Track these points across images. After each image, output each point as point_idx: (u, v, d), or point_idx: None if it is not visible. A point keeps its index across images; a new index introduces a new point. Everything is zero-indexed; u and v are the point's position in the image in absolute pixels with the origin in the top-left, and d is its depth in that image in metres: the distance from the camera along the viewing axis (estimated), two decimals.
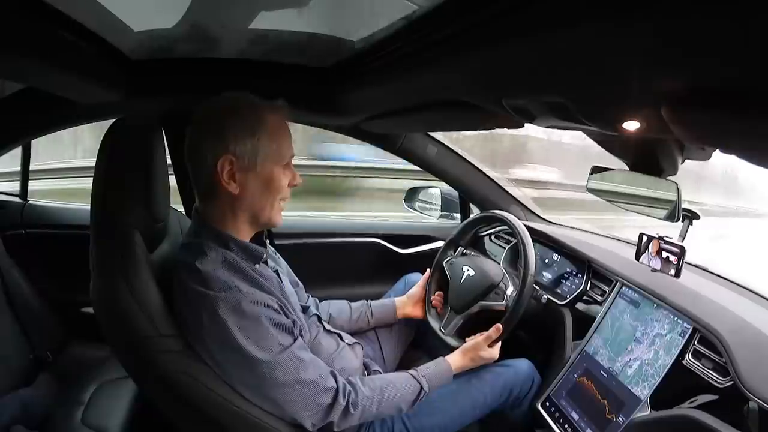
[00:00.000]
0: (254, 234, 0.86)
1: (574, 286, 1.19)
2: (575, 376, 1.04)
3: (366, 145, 1.45)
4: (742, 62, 0.30)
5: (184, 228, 1.00)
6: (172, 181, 0.94)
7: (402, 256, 1.64)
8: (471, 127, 1.00)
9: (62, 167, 3.50)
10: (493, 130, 0.94)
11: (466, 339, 1.05)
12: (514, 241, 1.18)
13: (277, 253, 1.03)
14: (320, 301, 1.13)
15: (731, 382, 0.77)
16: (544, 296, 1.20)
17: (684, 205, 0.89)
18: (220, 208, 0.81)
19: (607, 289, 1.11)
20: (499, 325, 1.02)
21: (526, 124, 0.77)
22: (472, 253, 1.29)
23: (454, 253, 1.30)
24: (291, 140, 0.84)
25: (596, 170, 0.97)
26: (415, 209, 1.71)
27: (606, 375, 0.98)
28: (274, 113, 0.80)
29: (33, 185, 1.54)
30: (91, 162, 0.80)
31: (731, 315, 0.88)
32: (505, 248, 1.31)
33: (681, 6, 0.29)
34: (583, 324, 1.11)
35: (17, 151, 1.42)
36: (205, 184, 0.80)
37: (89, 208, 0.79)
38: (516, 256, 1.16)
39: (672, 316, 0.93)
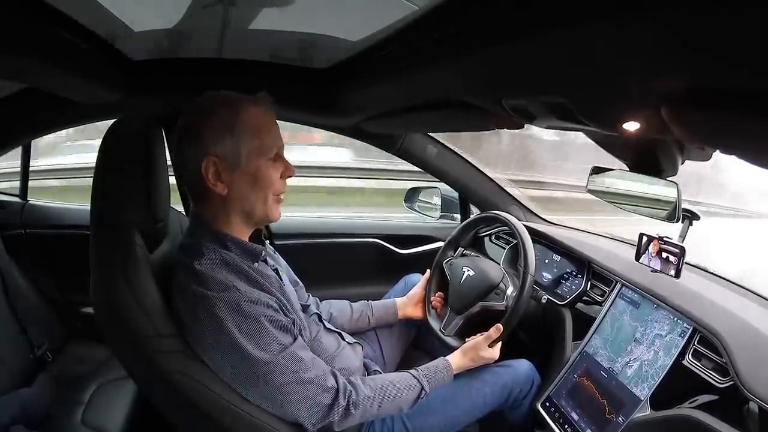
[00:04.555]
0: (252, 232, 0.86)
1: (574, 287, 1.19)
2: (575, 376, 1.04)
3: None
4: (743, 62, 0.30)
5: (184, 228, 1.00)
6: (172, 181, 0.94)
7: (402, 257, 1.64)
8: (471, 128, 0.99)
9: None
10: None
11: (467, 339, 1.05)
12: (514, 241, 1.18)
13: (276, 252, 1.03)
14: (320, 300, 1.13)
15: (731, 383, 0.77)
16: (544, 296, 1.20)
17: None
18: (213, 208, 0.80)
19: (606, 289, 1.11)
20: (500, 325, 1.02)
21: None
22: (472, 253, 1.29)
23: (454, 253, 1.30)
24: (277, 131, 0.82)
25: (596, 171, 0.97)
26: (415, 209, 1.71)
27: (606, 375, 0.98)
28: (253, 107, 0.78)
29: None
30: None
31: (731, 316, 0.88)
32: (505, 249, 1.30)
33: (682, 5, 0.29)
34: (583, 324, 1.11)
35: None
36: (194, 188, 0.79)
37: (89, 208, 0.79)
38: (516, 257, 1.16)
39: (672, 317, 0.93)
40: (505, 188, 1.51)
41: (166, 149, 0.89)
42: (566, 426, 0.99)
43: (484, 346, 1.01)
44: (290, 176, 0.84)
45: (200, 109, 0.78)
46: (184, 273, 0.77)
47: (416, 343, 1.27)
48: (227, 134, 0.76)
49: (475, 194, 1.52)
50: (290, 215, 1.60)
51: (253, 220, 0.83)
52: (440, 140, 1.42)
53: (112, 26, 0.80)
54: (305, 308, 0.99)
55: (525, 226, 1.18)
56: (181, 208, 1.16)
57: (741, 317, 0.87)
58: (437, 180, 1.53)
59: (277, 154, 0.81)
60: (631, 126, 0.53)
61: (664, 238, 0.99)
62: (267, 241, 0.92)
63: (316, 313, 1.02)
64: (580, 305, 1.18)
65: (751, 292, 1.02)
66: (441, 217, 1.68)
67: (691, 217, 0.99)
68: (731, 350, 0.79)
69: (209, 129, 0.76)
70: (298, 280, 1.07)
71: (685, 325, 0.90)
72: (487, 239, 1.50)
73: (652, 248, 1.02)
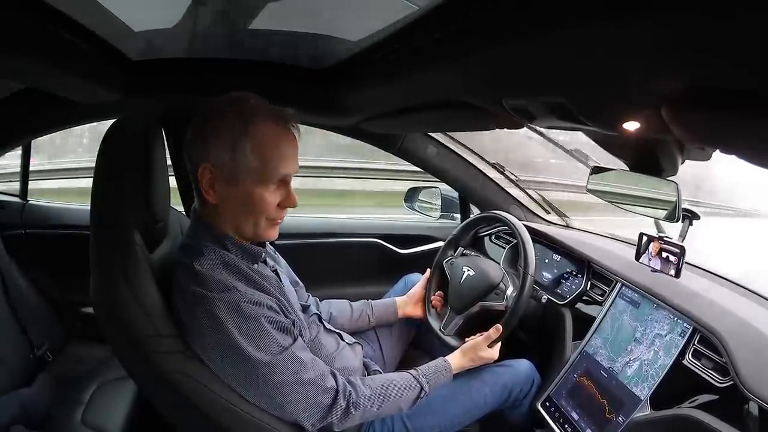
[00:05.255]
0: None
1: (574, 286, 1.19)
2: (575, 376, 1.04)
3: None
4: (743, 63, 0.30)
5: (184, 228, 1.00)
6: (172, 181, 0.93)
7: (402, 256, 1.64)
8: (471, 128, 1.00)
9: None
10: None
11: (466, 339, 1.05)
12: (514, 241, 1.18)
13: (277, 253, 1.03)
14: (320, 300, 1.13)
15: (731, 382, 0.77)
16: (544, 296, 1.20)
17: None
18: (210, 212, 0.80)
19: (607, 289, 1.11)
20: (499, 326, 1.02)
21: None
22: (472, 253, 1.30)
23: (454, 253, 1.31)
24: (290, 156, 0.76)
25: (596, 170, 0.97)
26: (415, 209, 1.72)
27: (606, 375, 0.98)
28: (266, 123, 0.74)
29: None
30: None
31: (731, 315, 0.88)
32: (505, 248, 1.31)
33: (682, 6, 0.29)
34: (583, 324, 1.11)
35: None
36: (195, 187, 0.79)
37: (89, 208, 0.79)
38: (516, 257, 1.16)
39: (672, 317, 0.93)
40: (505, 188, 1.51)
41: (166, 149, 0.89)
42: (566, 426, 0.99)
43: (484, 346, 1.01)
44: (289, 207, 0.79)
45: (213, 110, 0.75)
46: (184, 273, 0.77)
47: (416, 343, 1.27)
48: (228, 146, 0.73)
49: (475, 194, 1.52)
50: (290, 215, 1.60)
51: (243, 237, 0.82)
52: (440, 140, 1.42)
53: (112, 26, 0.79)
54: (305, 308, 0.99)
55: (525, 225, 1.18)
56: (181, 208, 1.16)
57: (741, 317, 0.87)
58: (437, 180, 1.53)
59: (282, 180, 0.77)
60: (631, 126, 0.53)
61: (664, 238, 0.99)
62: (267, 242, 0.92)
63: (316, 313, 1.02)
64: (580, 305, 1.18)
65: (751, 292, 1.02)
66: (441, 216, 1.69)
67: (691, 216, 0.99)
68: (731, 350, 0.79)
69: (214, 135, 0.74)
70: (298, 280, 1.07)
71: (685, 324, 0.90)
72: (487, 239, 1.50)
73: (652, 248, 1.02)
